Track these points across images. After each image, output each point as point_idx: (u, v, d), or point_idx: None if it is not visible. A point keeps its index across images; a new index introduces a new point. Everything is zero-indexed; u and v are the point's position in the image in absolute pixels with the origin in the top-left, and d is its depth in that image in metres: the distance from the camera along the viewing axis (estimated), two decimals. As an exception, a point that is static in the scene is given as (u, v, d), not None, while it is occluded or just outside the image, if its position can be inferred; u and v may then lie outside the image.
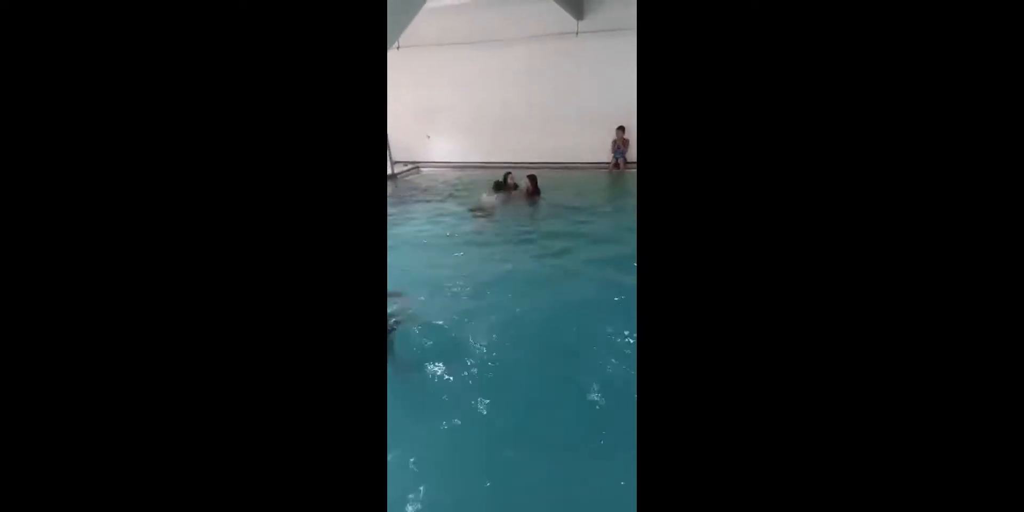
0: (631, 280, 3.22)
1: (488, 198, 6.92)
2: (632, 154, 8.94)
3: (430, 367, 2.51)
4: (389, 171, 8.82)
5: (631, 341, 2.71)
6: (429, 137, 9.92)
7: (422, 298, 3.43)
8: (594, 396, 2.22)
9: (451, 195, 7.57)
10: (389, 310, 3.33)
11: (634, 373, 2.39)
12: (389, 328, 2.90)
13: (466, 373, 2.46)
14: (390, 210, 6.20)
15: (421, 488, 1.73)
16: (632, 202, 5.82)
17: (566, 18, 8.45)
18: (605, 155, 9.02)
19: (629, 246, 4.11)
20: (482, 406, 2.17)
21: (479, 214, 6.39)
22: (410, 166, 9.85)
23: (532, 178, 7.18)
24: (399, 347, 2.77)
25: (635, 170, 8.38)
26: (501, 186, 7.25)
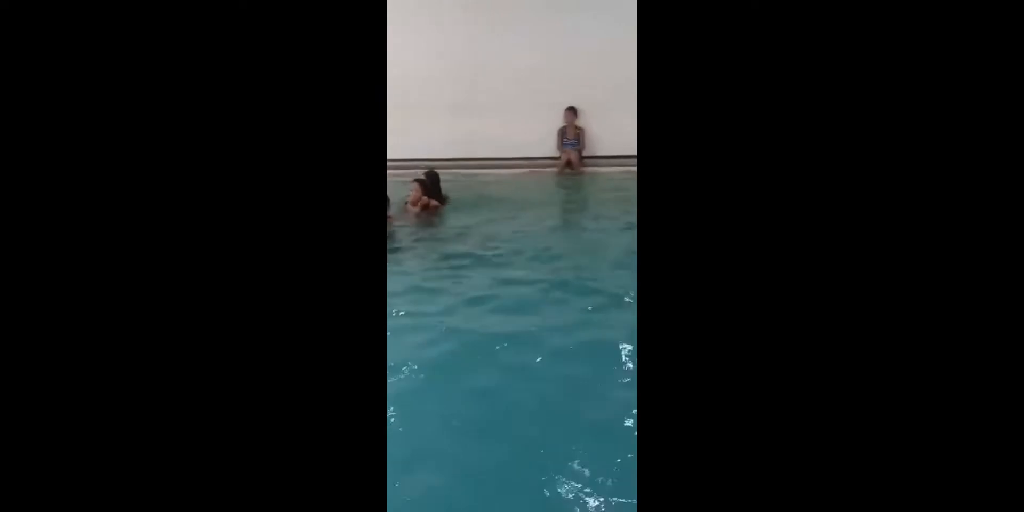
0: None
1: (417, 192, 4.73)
2: (593, 147, 6.18)
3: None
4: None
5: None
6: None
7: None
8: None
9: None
10: None
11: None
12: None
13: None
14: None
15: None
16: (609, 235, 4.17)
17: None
18: (549, 148, 6.25)
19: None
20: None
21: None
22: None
23: (422, 183, 4.59)
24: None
25: (595, 169, 5.89)
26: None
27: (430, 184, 4.80)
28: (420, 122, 5.94)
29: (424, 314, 2.87)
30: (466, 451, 1.83)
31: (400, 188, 4.55)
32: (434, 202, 4.69)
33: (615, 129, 5.76)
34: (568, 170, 6.06)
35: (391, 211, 4.27)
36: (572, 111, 6.07)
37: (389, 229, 4.20)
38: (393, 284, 3.10)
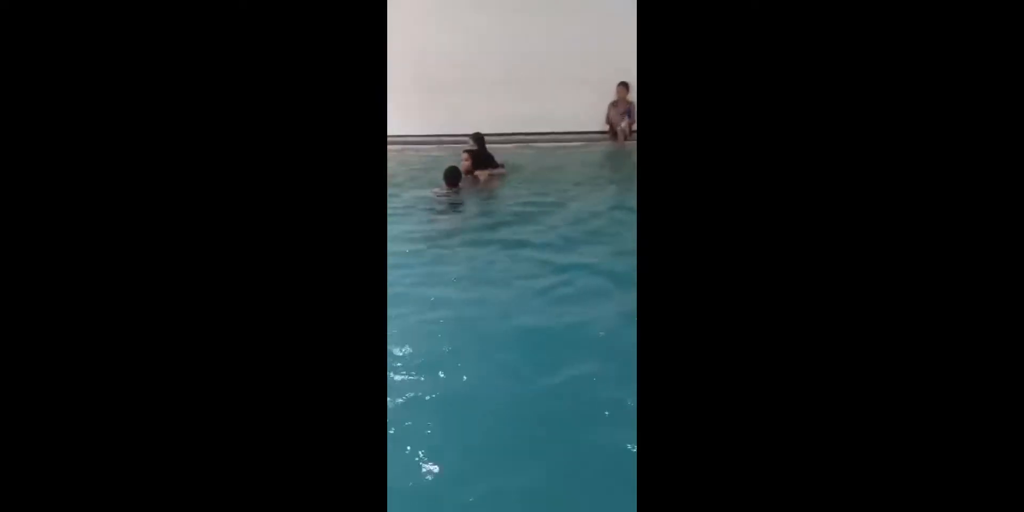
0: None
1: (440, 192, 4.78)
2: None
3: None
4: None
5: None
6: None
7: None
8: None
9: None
10: None
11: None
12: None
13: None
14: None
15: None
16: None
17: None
18: (598, 123, 6.37)
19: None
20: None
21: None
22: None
23: (472, 153, 4.94)
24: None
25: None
26: (456, 175, 4.73)
27: (480, 152, 5.02)
28: (470, 99, 6.19)
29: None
30: (473, 433, 1.83)
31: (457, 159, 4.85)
32: (483, 172, 4.87)
33: None
34: (617, 143, 6.19)
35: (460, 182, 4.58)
36: (624, 86, 6.18)
37: (453, 198, 4.50)
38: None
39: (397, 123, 5.71)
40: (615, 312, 2.50)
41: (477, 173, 4.90)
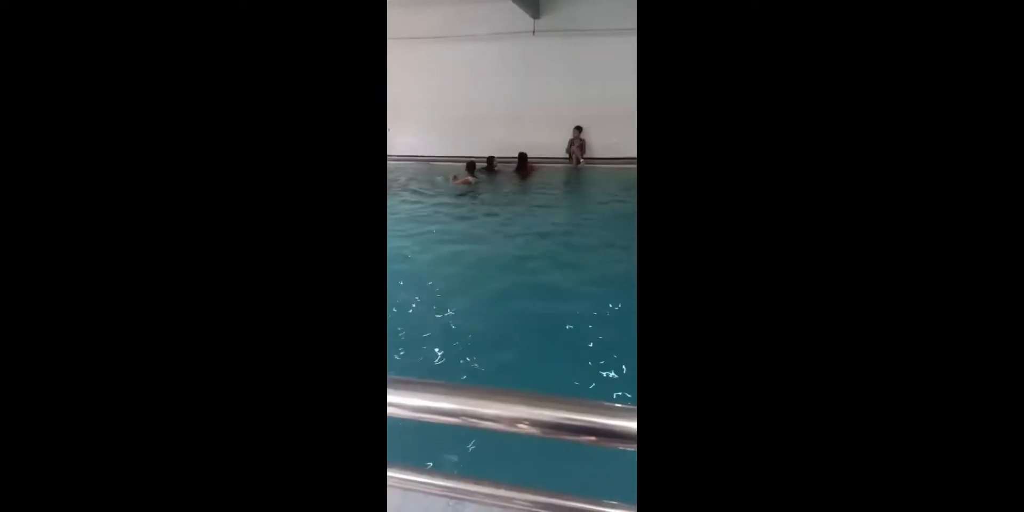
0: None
1: (465, 175, 8.42)
2: (595, 150, 9.58)
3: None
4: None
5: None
6: (388, 130, 10.05)
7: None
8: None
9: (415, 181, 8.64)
10: None
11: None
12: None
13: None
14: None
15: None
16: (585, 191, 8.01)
17: (523, 16, 8.88)
18: (560, 150, 9.63)
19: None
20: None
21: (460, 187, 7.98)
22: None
23: (523, 156, 8.89)
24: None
25: (594, 165, 9.29)
26: (472, 168, 8.58)
27: (487, 166, 8.78)
28: (480, 131, 9.43)
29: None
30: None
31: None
32: (471, 178, 8.36)
33: (605, 139, 9.28)
34: (576, 166, 9.40)
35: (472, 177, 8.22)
36: (578, 129, 9.42)
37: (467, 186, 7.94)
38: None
39: (434, 145, 9.22)
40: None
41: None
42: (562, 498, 1.00)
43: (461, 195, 7.64)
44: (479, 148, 9.35)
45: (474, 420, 0.86)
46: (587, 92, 9.21)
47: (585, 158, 9.44)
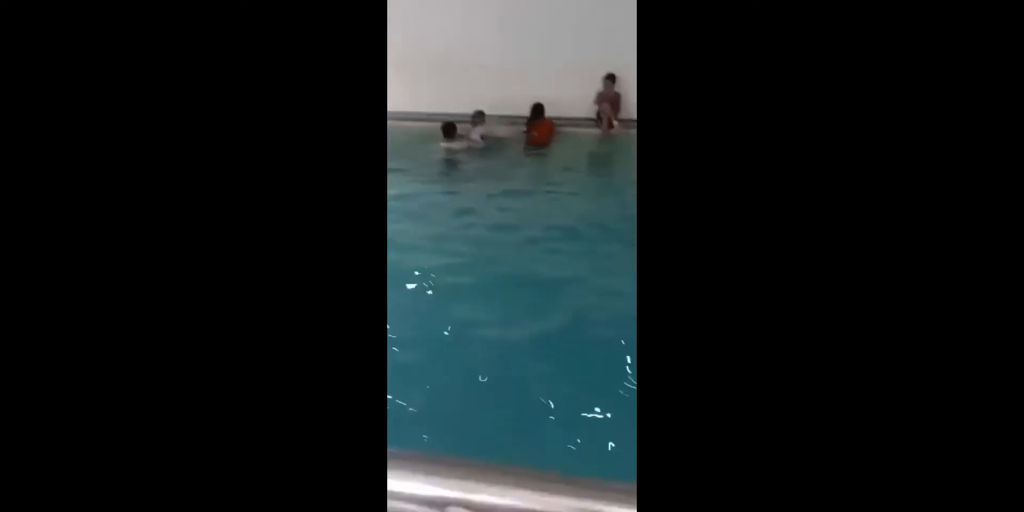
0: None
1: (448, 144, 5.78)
2: (630, 110, 6.56)
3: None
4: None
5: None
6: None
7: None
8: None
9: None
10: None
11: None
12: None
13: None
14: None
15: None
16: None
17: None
18: (588, 110, 6.60)
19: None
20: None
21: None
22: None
23: (539, 108, 6.24)
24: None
25: (632, 128, 6.27)
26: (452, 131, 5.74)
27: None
28: (461, 81, 6.39)
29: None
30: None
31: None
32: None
33: None
34: (608, 132, 6.42)
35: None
36: (610, 79, 6.42)
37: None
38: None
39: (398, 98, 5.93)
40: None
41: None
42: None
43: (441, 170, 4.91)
44: (460, 104, 6.28)
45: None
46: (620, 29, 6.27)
47: (621, 120, 6.40)
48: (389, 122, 0.88)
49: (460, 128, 5.83)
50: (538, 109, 6.28)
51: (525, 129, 6.22)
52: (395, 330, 2.23)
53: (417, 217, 3.80)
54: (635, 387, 2.01)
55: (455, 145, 5.73)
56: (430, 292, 2.71)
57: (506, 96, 6.39)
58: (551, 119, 6.28)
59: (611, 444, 1.84)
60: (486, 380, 2.12)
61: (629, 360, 2.17)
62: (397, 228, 3.24)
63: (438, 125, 5.85)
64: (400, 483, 0.92)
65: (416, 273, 2.80)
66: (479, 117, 6.10)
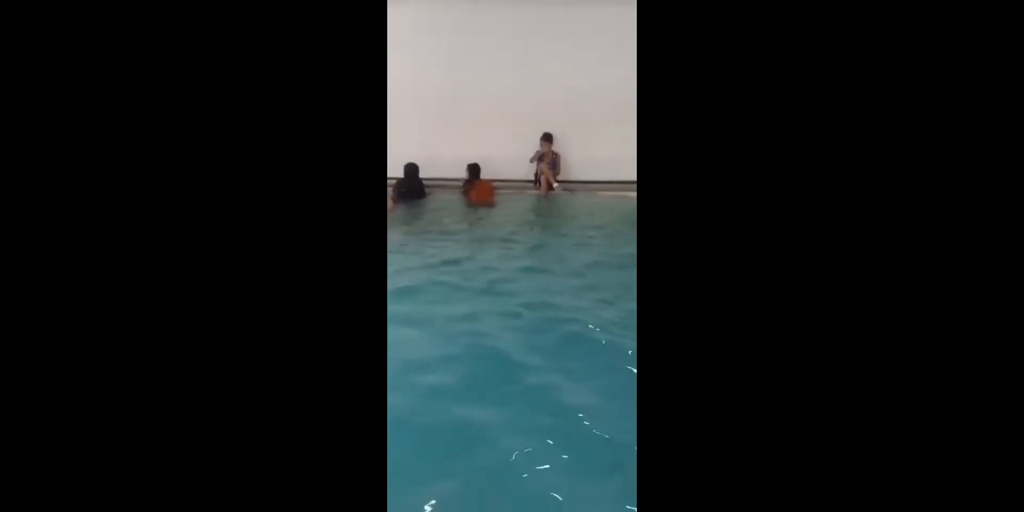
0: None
1: None
2: (570, 170, 6.17)
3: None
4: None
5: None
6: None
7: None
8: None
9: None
10: None
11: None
12: None
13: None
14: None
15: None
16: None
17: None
18: (527, 170, 6.17)
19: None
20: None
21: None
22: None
23: (475, 169, 5.75)
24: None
25: (572, 190, 5.87)
26: None
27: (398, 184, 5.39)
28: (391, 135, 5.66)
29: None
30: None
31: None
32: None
33: (590, 151, 5.92)
34: (546, 193, 5.97)
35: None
36: (547, 139, 6.05)
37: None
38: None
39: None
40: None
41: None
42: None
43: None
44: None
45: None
46: (560, 79, 5.94)
47: (561, 181, 6.01)
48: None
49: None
50: (474, 169, 5.79)
51: (463, 189, 5.68)
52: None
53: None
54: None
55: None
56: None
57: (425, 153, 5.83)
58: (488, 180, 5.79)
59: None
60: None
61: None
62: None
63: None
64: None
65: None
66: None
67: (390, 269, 2.61)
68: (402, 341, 2.18)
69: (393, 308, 1.75)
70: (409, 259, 3.45)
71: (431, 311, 2.59)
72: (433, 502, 1.38)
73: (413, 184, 5.53)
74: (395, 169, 5.35)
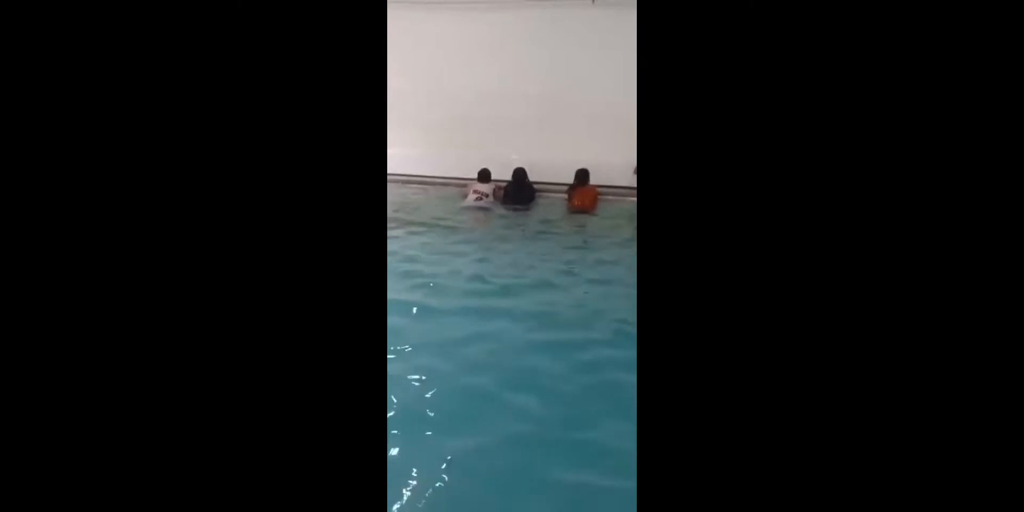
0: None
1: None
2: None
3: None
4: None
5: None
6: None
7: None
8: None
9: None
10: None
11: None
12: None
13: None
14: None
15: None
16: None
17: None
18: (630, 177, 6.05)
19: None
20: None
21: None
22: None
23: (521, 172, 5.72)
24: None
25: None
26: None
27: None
28: (499, 139, 6.12)
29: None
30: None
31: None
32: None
33: None
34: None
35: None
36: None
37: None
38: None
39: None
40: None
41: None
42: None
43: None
44: (497, 166, 5.82)
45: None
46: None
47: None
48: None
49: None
50: (582, 175, 5.73)
51: (566, 195, 5.72)
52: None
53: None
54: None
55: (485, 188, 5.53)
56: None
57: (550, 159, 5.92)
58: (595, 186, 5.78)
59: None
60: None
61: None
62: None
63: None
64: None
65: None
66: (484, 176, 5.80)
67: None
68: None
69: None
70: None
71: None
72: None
73: (520, 188, 5.63)
74: (503, 173, 5.52)
